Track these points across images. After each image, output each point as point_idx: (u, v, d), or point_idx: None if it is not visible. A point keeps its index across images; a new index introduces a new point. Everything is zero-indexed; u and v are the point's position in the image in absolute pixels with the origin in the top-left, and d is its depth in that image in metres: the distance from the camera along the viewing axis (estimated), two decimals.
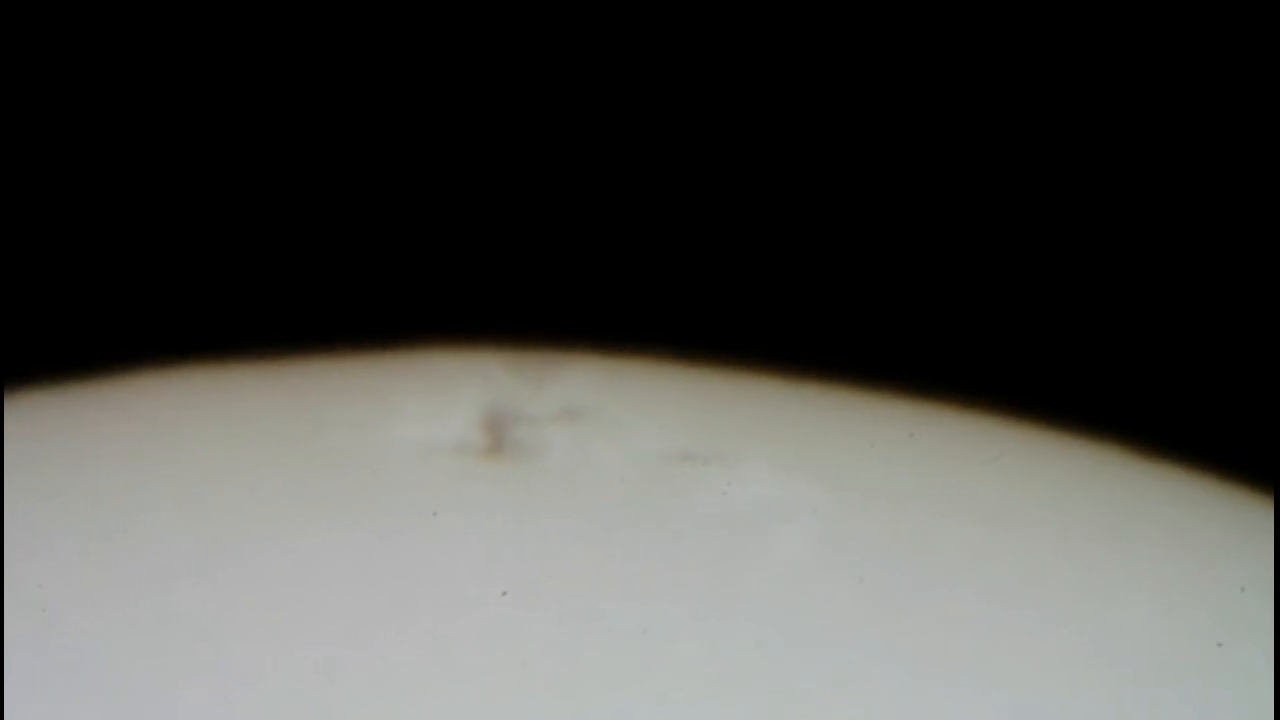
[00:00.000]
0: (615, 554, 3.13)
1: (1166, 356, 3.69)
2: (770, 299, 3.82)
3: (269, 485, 3.27)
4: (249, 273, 3.78)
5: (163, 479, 3.28)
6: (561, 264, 3.82)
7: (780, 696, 2.81)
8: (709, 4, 3.73)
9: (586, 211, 3.81)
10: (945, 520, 3.29)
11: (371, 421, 3.52)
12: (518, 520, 3.19)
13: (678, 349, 3.75)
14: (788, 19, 3.73)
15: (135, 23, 3.69)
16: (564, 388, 3.56)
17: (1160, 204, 3.70)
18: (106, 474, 3.30)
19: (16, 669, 2.73)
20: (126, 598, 2.95)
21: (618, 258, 3.81)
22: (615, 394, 3.61)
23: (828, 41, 3.72)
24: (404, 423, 3.48)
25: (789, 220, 3.81)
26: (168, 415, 3.54)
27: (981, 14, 3.66)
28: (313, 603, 2.95)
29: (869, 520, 3.29)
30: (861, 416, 3.68)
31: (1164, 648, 3.02)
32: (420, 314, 3.77)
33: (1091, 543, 3.30)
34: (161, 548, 3.07)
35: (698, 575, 3.08)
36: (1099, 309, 3.74)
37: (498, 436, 3.41)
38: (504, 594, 2.96)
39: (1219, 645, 3.01)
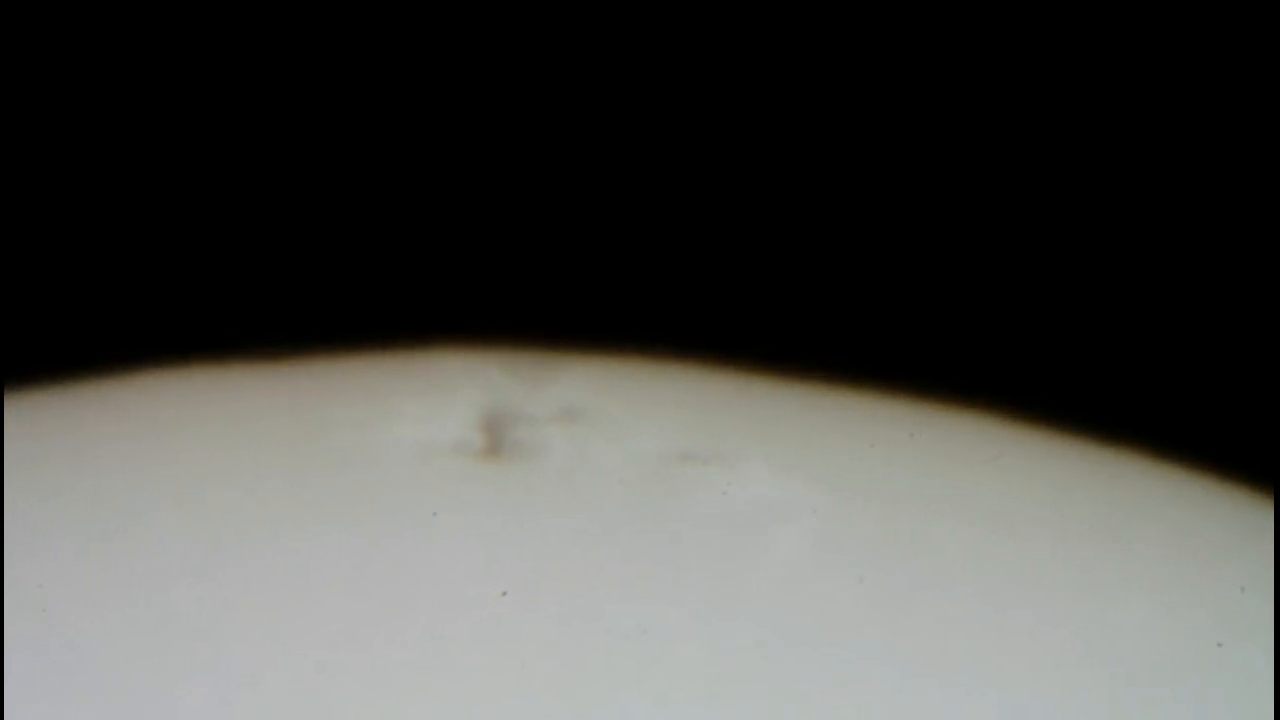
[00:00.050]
0: (615, 554, 3.13)
1: (1166, 357, 3.69)
2: (770, 299, 3.82)
3: (269, 485, 3.27)
4: (249, 273, 3.78)
5: (163, 479, 3.28)
6: (561, 265, 3.82)
7: (780, 696, 2.81)
8: (708, 4, 3.74)
9: (586, 213, 3.81)
10: (944, 520, 3.29)
11: (371, 422, 3.52)
12: (517, 521, 3.19)
13: (678, 349, 3.75)
14: (787, 19, 3.73)
15: (135, 23, 3.69)
16: (563, 388, 3.57)
17: (1160, 205, 3.69)
18: (106, 474, 3.30)
19: (16, 669, 2.74)
20: (126, 598, 2.95)
21: (617, 258, 3.81)
22: (615, 394, 3.61)
23: (827, 42, 3.73)
24: (403, 423, 3.48)
25: (788, 220, 3.81)
26: (168, 415, 3.54)
27: (981, 14, 3.66)
28: (312, 603, 2.95)
29: (869, 520, 3.29)
30: (861, 416, 3.68)
31: (1164, 648, 3.02)
32: (420, 314, 3.77)
33: (1091, 543, 3.30)
34: (161, 548, 3.07)
35: (697, 575, 3.08)
36: (1098, 310, 3.74)
37: (497, 437, 3.41)
38: (504, 594, 2.96)
39: (1219, 645, 3.01)
